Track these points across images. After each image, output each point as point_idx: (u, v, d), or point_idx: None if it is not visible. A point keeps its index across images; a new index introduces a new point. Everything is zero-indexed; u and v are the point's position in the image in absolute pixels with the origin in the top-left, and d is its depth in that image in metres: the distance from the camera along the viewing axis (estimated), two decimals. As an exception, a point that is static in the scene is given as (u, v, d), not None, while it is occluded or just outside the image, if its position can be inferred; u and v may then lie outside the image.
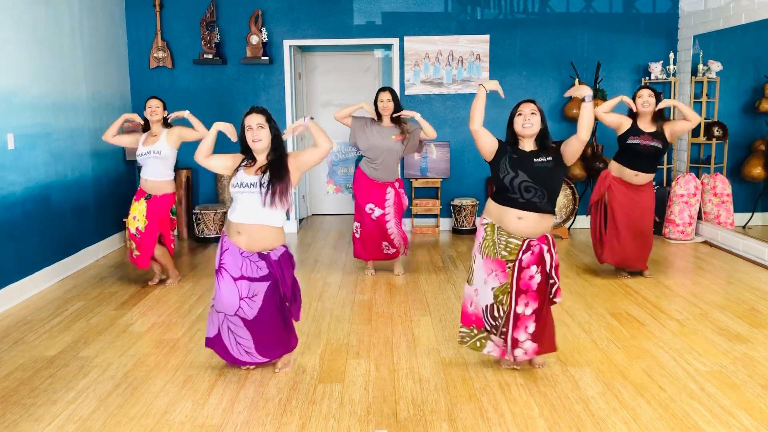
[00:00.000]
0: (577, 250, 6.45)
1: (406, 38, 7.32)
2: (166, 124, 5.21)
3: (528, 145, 3.42)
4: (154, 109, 5.13)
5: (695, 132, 6.97)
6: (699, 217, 6.82)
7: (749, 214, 6.84)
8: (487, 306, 3.39)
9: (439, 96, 7.43)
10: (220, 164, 3.50)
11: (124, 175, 7.10)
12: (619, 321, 4.30)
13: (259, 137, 3.33)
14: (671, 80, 7.04)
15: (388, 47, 8.00)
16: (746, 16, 6.05)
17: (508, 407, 3.12)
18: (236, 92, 7.37)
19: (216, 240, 7.01)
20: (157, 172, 5.10)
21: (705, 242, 6.64)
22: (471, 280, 3.47)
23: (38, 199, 5.31)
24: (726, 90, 6.92)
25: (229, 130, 3.54)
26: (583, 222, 7.47)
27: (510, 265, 3.33)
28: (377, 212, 5.34)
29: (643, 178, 5.10)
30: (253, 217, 3.33)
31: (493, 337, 3.44)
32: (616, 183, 5.15)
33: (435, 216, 7.56)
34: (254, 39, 7.14)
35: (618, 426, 2.93)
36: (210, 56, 7.17)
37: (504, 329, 3.39)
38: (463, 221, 7.36)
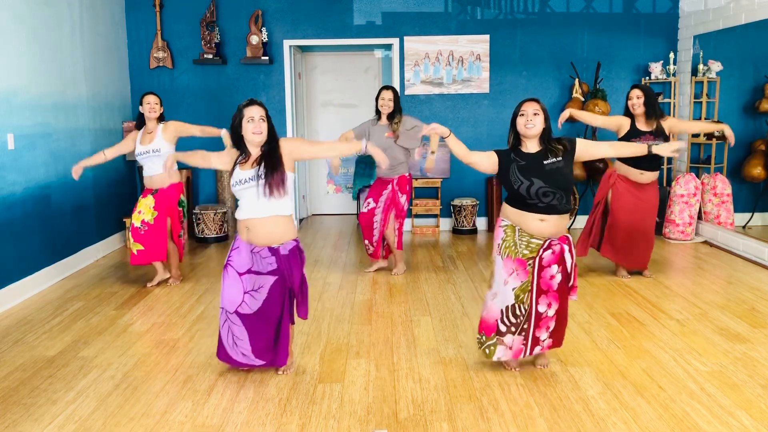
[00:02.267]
0: (577, 250, 6.45)
1: (406, 38, 7.32)
2: (160, 119, 5.13)
3: (532, 145, 3.38)
4: (153, 106, 5.06)
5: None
6: (699, 217, 6.82)
7: (749, 214, 6.84)
8: (507, 307, 3.34)
9: (439, 96, 7.43)
10: (219, 161, 3.55)
11: (124, 175, 7.10)
12: (619, 321, 4.30)
13: (260, 129, 3.32)
14: (671, 80, 7.04)
15: (388, 47, 7.99)
16: (746, 16, 6.04)
17: (508, 407, 3.12)
18: (236, 92, 7.37)
19: (216, 240, 7.02)
20: (160, 168, 5.04)
21: (705, 242, 6.64)
22: (491, 284, 3.44)
23: (38, 199, 5.31)
24: (726, 90, 6.92)
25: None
26: (583, 222, 7.47)
27: (530, 262, 3.31)
28: (371, 205, 5.43)
29: (648, 176, 5.12)
30: (257, 210, 3.33)
31: (507, 338, 3.38)
32: (621, 181, 5.17)
33: (435, 216, 7.56)
34: (254, 39, 7.14)
35: (618, 426, 2.93)
36: (210, 56, 7.17)
37: (525, 326, 3.36)
38: (463, 221, 7.36)
